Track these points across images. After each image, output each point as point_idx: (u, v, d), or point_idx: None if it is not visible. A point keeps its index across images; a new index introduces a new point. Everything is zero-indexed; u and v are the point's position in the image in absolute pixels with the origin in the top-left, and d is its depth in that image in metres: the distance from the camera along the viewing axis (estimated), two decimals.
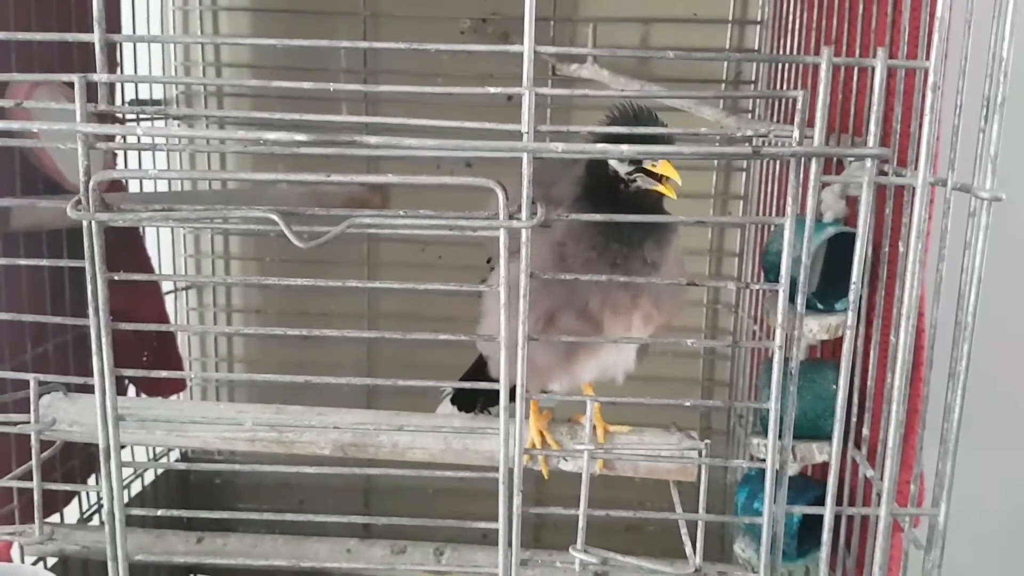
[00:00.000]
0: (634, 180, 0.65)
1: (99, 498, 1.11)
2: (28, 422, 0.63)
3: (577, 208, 0.64)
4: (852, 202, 0.77)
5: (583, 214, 0.59)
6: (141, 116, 0.94)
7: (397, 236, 1.29)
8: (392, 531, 0.92)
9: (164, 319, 1.15)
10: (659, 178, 0.64)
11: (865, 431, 0.72)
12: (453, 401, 0.85)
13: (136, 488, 1.20)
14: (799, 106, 0.51)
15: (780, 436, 0.59)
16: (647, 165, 0.65)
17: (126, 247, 1.10)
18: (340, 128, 0.54)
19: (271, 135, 0.51)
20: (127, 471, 1.19)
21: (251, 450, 0.72)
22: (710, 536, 0.69)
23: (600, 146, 0.52)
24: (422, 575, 0.94)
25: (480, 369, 0.80)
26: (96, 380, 0.56)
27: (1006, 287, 0.71)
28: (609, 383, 0.73)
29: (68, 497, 1.05)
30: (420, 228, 0.55)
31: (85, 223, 0.54)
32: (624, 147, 0.51)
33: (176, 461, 1.25)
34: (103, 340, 0.55)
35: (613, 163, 0.66)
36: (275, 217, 0.53)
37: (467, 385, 0.65)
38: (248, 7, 1.23)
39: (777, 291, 0.77)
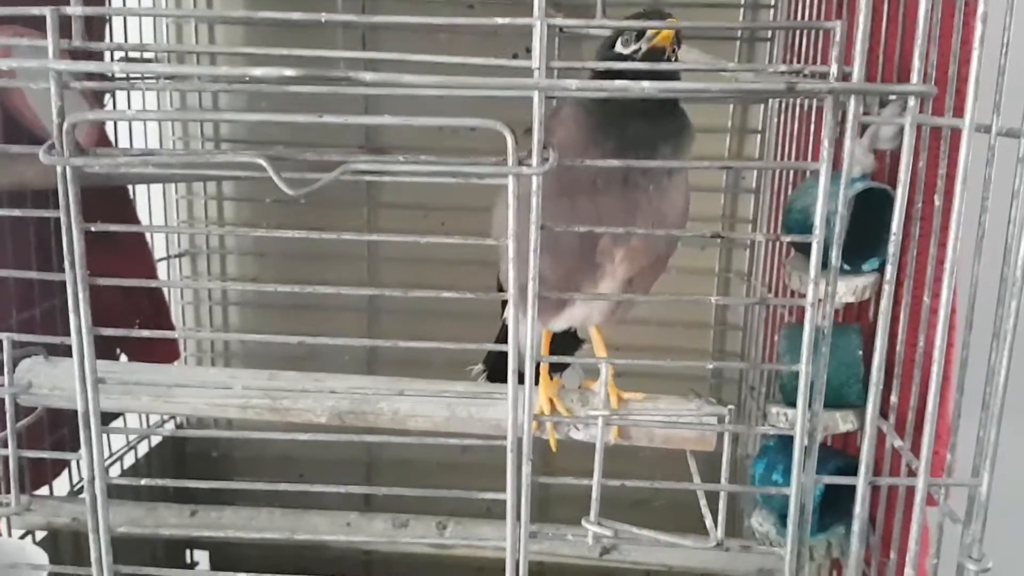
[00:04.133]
0: (639, 50, 0.61)
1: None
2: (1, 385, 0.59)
3: (582, 112, 0.61)
4: (880, 157, 0.73)
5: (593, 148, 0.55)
6: (120, 55, 0.89)
7: (398, 202, 1.25)
8: (393, 504, 0.89)
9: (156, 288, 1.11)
10: (663, 51, 0.60)
11: (893, 399, 0.68)
12: (490, 379, 0.82)
13: (129, 460, 1.16)
14: (836, 39, 0.47)
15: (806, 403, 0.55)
16: (649, 35, 0.61)
17: (116, 213, 1.06)
18: (335, 64, 0.50)
19: (258, 71, 0.47)
20: (119, 442, 1.16)
21: (244, 418, 0.67)
22: (712, 503, 0.66)
23: (619, 83, 0.48)
24: (425, 549, 0.90)
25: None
26: (73, 339, 0.52)
27: None
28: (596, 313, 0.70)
29: (58, 469, 1.01)
30: (422, 176, 0.50)
31: (59, 169, 0.50)
32: (646, 83, 0.47)
33: (157, 445, 1.21)
34: (80, 295, 0.51)
35: (619, 48, 0.62)
36: (262, 162, 0.49)
37: (482, 347, 0.60)
38: None
39: (802, 251, 0.74)
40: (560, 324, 0.68)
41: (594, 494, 0.56)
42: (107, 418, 0.61)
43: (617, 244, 0.64)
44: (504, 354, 0.67)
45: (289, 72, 0.46)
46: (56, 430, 0.98)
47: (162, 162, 0.48)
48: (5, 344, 0.57)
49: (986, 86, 0.54)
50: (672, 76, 0.61)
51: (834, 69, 0.47)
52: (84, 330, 0.52)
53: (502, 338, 0.81)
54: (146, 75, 0.49)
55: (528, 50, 1.18)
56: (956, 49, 0.61)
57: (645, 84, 0.47)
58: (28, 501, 0.58)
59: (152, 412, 0.91)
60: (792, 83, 0.45)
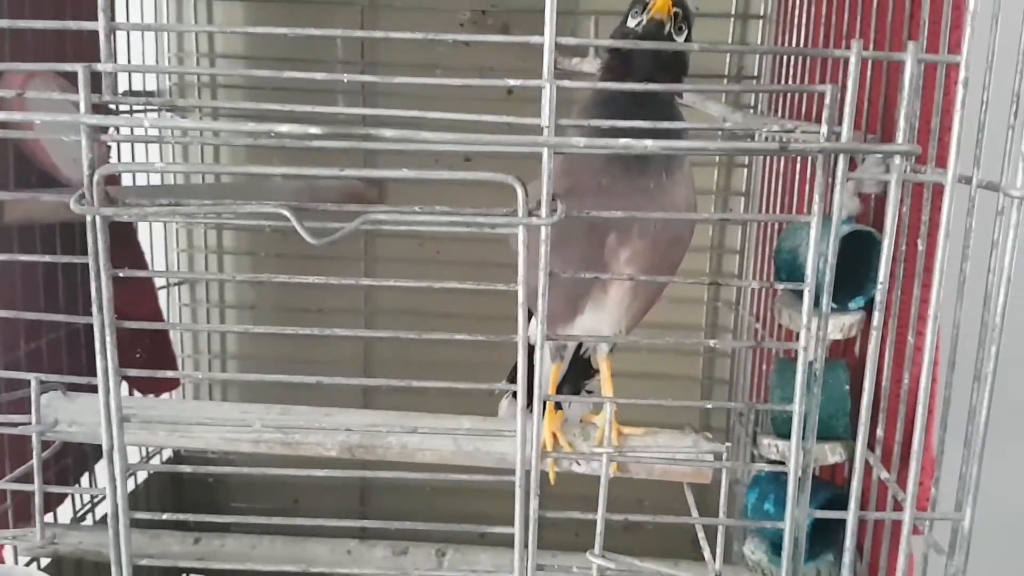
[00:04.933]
0: (640, 23, 0.65)
1: (92, 498, 1.09)
2: (28, 423, 0.61)
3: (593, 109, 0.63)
4: (865, 199, 0.76)
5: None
6: (143, 107, 0.92)
7: (395, 231, 1.27)
8: (391, 531, 0.91)
9: (158, 315, 1.13)
10: (662, 24, 0.64)
11: (879, 432, 0.71)
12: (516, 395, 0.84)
13: (128, 486, 1.17)
14: (827, 101, 0.50)
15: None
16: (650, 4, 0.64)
17: (120, 242, 1.07)
18: (349, 120, 0.52)
19: (283, 127, 0.49)
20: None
21: (254, 451, 0.70)
22: (711, 536, 0.68)
23: (623, 141, 0.51)
24: None
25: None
26: (100, 380, 0.55)
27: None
28: (609, 322, 0.71)
29: (61, 496, 1.03)
30: (436, 225, 0.53)
31: (89, 218, 0.52)
32: (648, 142, 0.50)
33: (165, 463, 1.23)
34: (107, 339, 0.54)
35: (629, 22, 0.66)
36: (286, 213, 0.51)
37: (492, 387, 0.62)
38: None
39: (792, 290, 0.77)
40: (573, 333, 0.70)
41: (599, 527, 0.59)
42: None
43: (622, 244, 0.65)
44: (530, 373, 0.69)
45: (313, 130, 0.49)
46: (60, 459, 1.00)
47: (189, 212, 0.51)
48: (33, 384, 0.59)
49: (967, 139, 0.58)
50: (674, 64, 0.65)
51: (824, 130, 0.50)
52: (111, 371, 0.54)
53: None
54: (174, 129, 0.51)
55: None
56: (938, 100, 0.65)
57: (648, 143, 0.50)
58: (52, 535, 0.60)
59: (169, 446, 0.92)
60: (784, 144, 0.48)
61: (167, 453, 1.25)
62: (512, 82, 0.52)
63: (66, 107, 0.52)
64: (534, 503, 0.56)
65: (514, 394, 0.82)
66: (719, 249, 1.25)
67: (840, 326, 0.73)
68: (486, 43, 1.20)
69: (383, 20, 1.21)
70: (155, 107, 0.99)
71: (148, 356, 1.10)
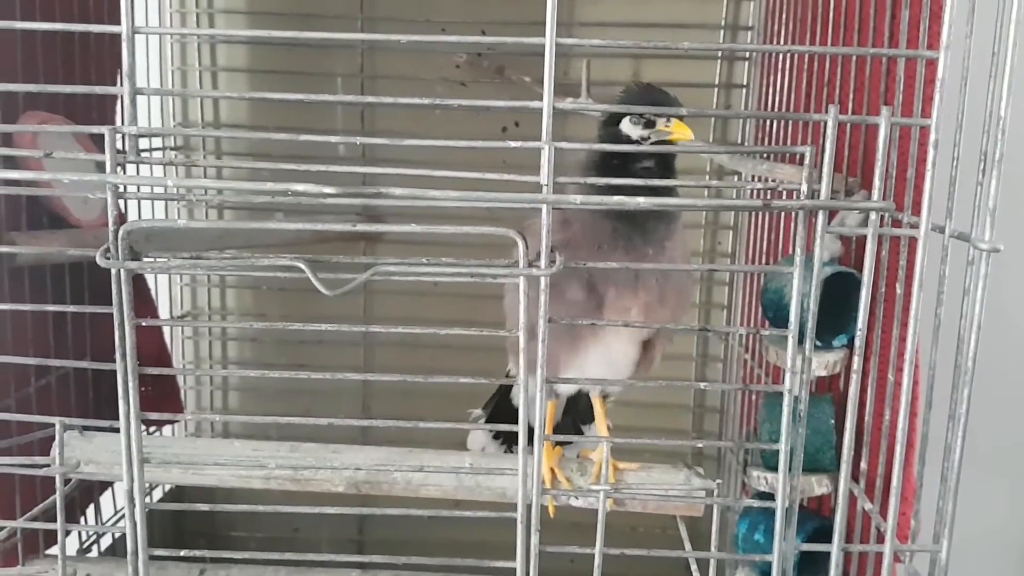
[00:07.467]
0: (648, 137, 0.70)
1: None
2: (48, 463, 0.64)
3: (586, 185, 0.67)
4: (846, 242, 0.80)
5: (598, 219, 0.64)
6: (152, 161, 0.96)
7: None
8: (389, 549, 0.93)
9: (164, 349, 1.15)
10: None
11: (863, 465, 0.74)
12: (489, 420, 0.87)
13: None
14: (806, 161, 0.54)
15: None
16: (660, 126, 0.70)
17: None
18: (353, 179, 0.55)
19: (300, 187, 0.53)
20: (121, 502, 1.19)
21: (264, 487, 0.72)
22: (702, 563, 0.71)
23: (616, 198, 0.54)
24: None
25: (504, 396, 0.83)
26: (122, 425, 0.57)
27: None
28: (616, 378, 0.75)
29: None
30: (441, 276, 0.56)
31: (114, 271, 0.55)
32: (641, 199, 0.53)
33: (168, 492, 1.25)
34: (130, 385, 0.57)
35: (626, 129, 0.71)
36: (302, 266, 0.55)
37: (495, 427, 0.66)
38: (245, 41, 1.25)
39: (777, 324, 0.80)
40: (570, 376, 0.73)
41: (597, 560, 0.62)
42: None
43: (624, 300, 0.69)
44: (503, 400, 0.71)
45: (328, 190, 0.52)
46: (68, 492, 1.02)
47: (210, 266, 0.54)
48: (58, 427, 0.62)
49: (941, 192, 0.61)
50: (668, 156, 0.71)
51: (804, 188, 0.54)
52: (133, 417, 0.57)
53: (502, 393, 0.86)
54: (194, 189, 0.54)
55: (517, 124, 1.25)
56: (913, 152, 0.68)
57: (641, 200, 0.54)
58: (74, 571, 0.63)
59: (182, 484, 0.94)
60: (768, 201, 0.52)
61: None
62: (513, 144, 0.55)
63: (81, 156, 0.56)
64: (535, 539, 0.59)
65: (488, 419, 0.86)
66: (708, 281, 1.29)
67: (824, 363, 0.76)
68: (481, 84, 1.24)
69: (381, 62, 1.25)
70: (184, 163, 1.03)
71: (154, 388, 1.12)
